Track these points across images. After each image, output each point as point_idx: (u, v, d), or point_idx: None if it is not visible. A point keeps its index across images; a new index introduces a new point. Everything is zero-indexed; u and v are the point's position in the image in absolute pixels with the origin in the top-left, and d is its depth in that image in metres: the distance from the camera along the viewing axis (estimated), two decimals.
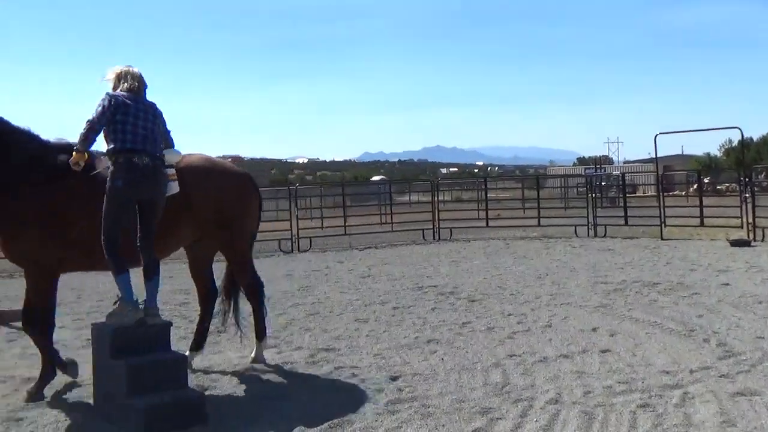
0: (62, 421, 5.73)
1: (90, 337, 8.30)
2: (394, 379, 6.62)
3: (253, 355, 7.36)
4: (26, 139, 6.22)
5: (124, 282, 5.95)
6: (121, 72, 6.12)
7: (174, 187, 6.31)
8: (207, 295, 7.51)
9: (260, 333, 7.39)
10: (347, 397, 6.10)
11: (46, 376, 6.39)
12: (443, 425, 5.34)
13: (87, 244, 6.21)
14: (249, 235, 7.43)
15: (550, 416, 5.44)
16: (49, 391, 6.39)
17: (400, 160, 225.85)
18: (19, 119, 6.24)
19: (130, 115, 5.92)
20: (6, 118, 6.16)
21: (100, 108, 5.83)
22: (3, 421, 5.70)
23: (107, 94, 5.94)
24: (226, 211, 6.98)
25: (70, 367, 6.61)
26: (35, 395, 6.24)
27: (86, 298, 11.98)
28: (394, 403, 5.93)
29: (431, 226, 21.62)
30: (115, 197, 5.85)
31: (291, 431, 5.29)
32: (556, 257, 15.74)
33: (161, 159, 6.13)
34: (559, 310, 9.53)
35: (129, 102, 5.95)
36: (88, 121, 5.82)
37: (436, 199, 22.15)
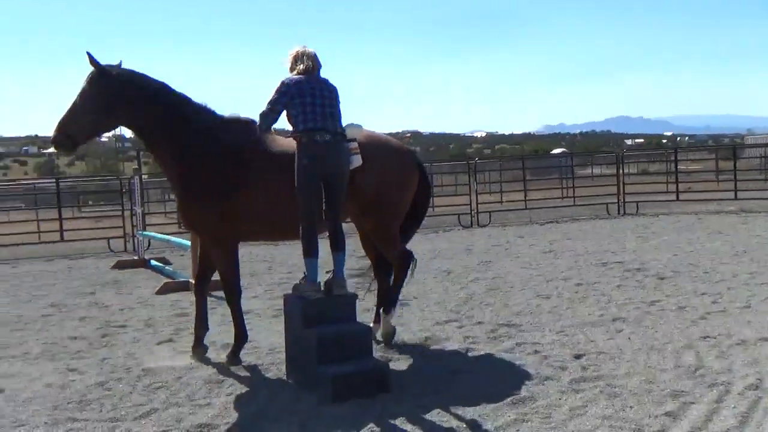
0: (257, 384, 6.11)
1: (280, 308, 8.84)
2: (578, 357, 6.48)
3: (380, 330, 7.22)
4: (204, 113, 6.61)
5: (312, 265, 6.24)
6: (297, 53, 6.36)
7: (357, 161, 6.47)
8: (381, 266, 7.50)
9: (389, 305, 7.27)
10: (529, 374, 6.04)
11: (240, 342, 6.81)
12: (631, 407, 5.16)
13: (262, 216, 6.55)
14: (402, 216, 7.21)
15: (749, 403, 5.11)
16: (246, 357, 6.82)
17: (581, 132, 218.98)
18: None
19: (307, 95, 6.17)
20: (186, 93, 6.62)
21: (278, 93, 6.17)
22: (206, 383, 6.16)
23: (283, 80, 6.23)
24: (385, 190, 6.83)
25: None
26: (233, 360, 6.69)
27: (276, 269, 12.65)
28: (578, 381, 5.81)
29: (616, 200, 20.84)
30: (303, 174, 6.12)
31: (473, 405, 5.33)
32: (756, 233, 14.65)
33: (342, 134, 6.31)
34: (759, 290, 8.89)
35: (305, 83, 6.21)
36: (269, 102, 6.17)
37: (621, 171, 21.28)
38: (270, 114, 6.18)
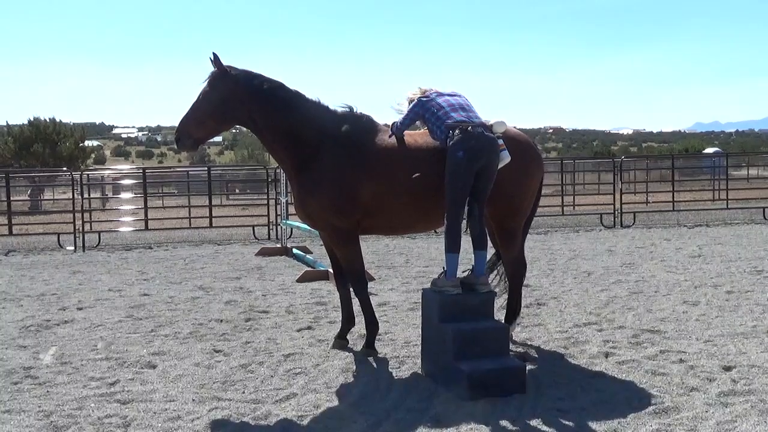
0: (392, 376, 6.18)
1: (416, 301, 8.89)
2: (727, 369, 6.14)
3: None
4: (319, 108, 6.71)
5: (453, 261, 6.24)
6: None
7: (506, 156, 6.40)
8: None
9: (509, 315, 7.15)
10: (672, 383, 5.78)
11: (371, 331, 6.88)
12: None
13: (381, 209, 6.60)
14: (525, 212, 7.04)
15: None
16: (382, 349, 6.91)
17: (737, 131, 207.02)
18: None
19: (445, 96, 6.50)
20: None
21: (414, 105, 6.54)
22: (342, 372, 6.29)
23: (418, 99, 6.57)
24: (502, 182, 6.60)
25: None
26: (369, 350, 6.79)
27: (414, 262, 12.73)
28: (727, 394, 5.51)
29: None
30: (457, 167, 6.12)
31: (612, 412, 5.16)
32: None
33: (490, 129, 6.28)
34: None
35: (435, 95, 6.53)
36: (408, 112, 6.49)
37: None
38: (405, 120, 6.59)
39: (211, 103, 6.39)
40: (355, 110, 6.79)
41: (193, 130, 6.45)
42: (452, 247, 6.26)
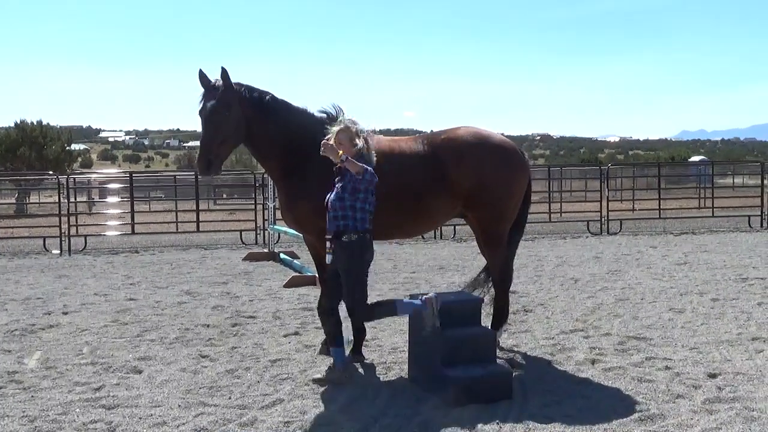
0: (380, 382, 6.17)
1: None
2: (712, 376, 6.17)
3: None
4: (306, 116, 6.68)
5: (340, 353, 6.18)
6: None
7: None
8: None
9: (495, 322, 7.14)
10: (658, 390, 5.80)
11: (359, 337, 6.86)
12: None
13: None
14: (510, 218, 7.05)
15: None
16: (369, 354, 6.90)
17: (723, 139, 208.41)
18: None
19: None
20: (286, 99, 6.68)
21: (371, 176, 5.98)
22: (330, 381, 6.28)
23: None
24: (484, 186, 6.71)
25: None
26: (357, 356, 6.77)
27: (401, 268, 12.73)
28: (712, 402, 5.53)
29: (759, 213, 19.71)
30: (363, 268, 6.13)
31: (598, 419, 5.18)
32: None
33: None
34: None
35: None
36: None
37: (766, 182, 20.09)
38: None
39: (231, 122, 6.23)
40: (338, 114, 6.75)
41: (222, 151, 6.35)
42: (338, 342, 6.16)
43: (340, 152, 5.80)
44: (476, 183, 6.73)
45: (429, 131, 7.68)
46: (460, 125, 7.13)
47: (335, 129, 6.05)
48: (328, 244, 6.05)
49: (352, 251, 5.90)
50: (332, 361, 6.18)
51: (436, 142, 6.84)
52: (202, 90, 6.33)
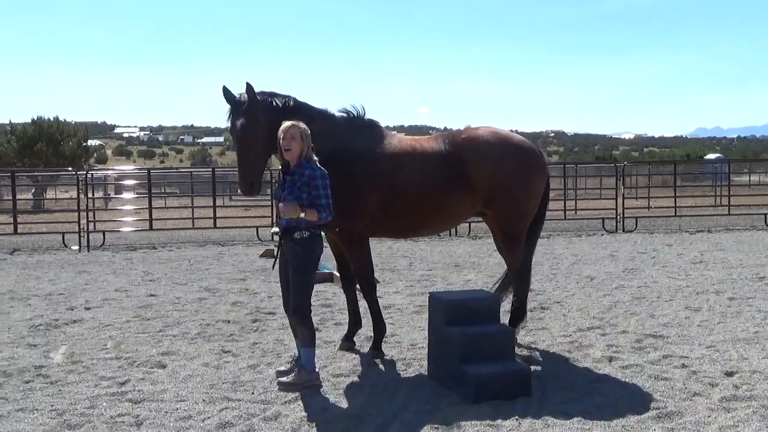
0: (399, 379, 6.27)
1: (421, 304, 8.98)
2: (729, 374, 6.22)
3: None
4: (329, 117, 6.74)
5: (310, 355, 6.03)
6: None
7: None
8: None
9: (512, 320, 7.23)
10: (675, 388, 5.86)
11: (379, 334, 6.97)
12: None
13: (389, 213, 6.74)
14: (529, 217, 7.15)
15: None
16: (389, 351, 7.00)
17: (739, 137, 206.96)
18: None
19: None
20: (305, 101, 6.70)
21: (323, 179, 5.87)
22: (350, 374, 6.38)
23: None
24: (503, 186, 6.83)
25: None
26: (376, 352, 6.87)
27: (417, 265, 12.81)
28: (729, 400, 5.59)
29: None
30: (315, 263, 6.12)
31: (616, 416, 5.25)
32: None
33: None
34: None
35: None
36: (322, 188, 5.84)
37: None
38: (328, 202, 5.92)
39: (262, 138, 6.19)
40: (361, 114, 6.89)
41: (259, 167, 6.37)
42: (309, 342, 6.01)
43: (298, 210, 5.72)
44: (496, 182, 6.82)
45: (443, 128, 7.78)
46: (479, 125, 7.23)
47: (287, 123, 5.90)
48: (277, 239, 6.01)
49: (304, 248, 5.86)
50: (301, 363, 6.00)
51: (456, 141, 6.93)
52: (228, 106, 6.29)
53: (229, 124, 6.33)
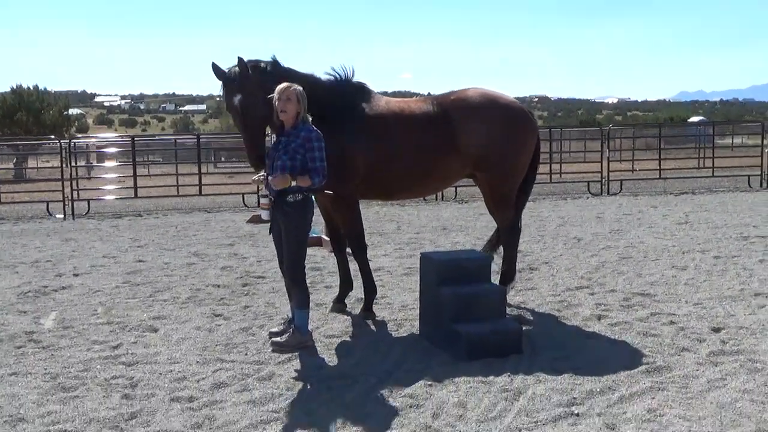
0: (391, 339, 6.32)
1: (410, 266, 9.03)
2: (716, 330, 6.32)
3: None
4: (315, 80, 6.68)
5: (304, 316, 6.01)
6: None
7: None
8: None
9: (503, 277, 7.30)
10: (664, 344, 5.95)
11: (370, 295, 7.02)
12: None
13: (378, 175, 6.74)
14: (518, 178, 7.18)
15: None
16: (380, 312, 7.04)
17: (722, 100, 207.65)
18: None
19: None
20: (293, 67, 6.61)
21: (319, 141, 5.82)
22: (343, 334, 6.42)
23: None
24: (493, 147, 6.83)
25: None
26: (367, 313, 6.92)
27: (405, 229, 12.84)
28: (717, 354, 5.69)
29: (759, 172, 19.79)
30: (306, 228, 6.12)
31: (607, 371, 5.32)
32: None
33: None
34: None
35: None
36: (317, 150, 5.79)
37: (765, 142, 20.15)
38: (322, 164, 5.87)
39: (260, 110, 6.10)
40: (348, 76, 6.85)
41: (263, 140, 6.33)
42: (303, 304, 5.98)
43: (289, 179, 5.67)
44: (486, 143, 6.82)
45: (427, 94, 7.74)
46: (468, 87, 7.20)
47: (282, 85, 5.81)
48: (266, 202, 5.93)
49: (297, 211, 5.83)
50: (295, 325, 5.99)
51: (445, 103, 6.91)
52: (219, 82, 6.20)
53: (224, 100, 6.25)
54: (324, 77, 6.84)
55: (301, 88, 5.84)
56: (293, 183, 5.68)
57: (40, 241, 12.32)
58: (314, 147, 5.73)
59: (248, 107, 6.10)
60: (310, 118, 5.94)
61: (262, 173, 6.05)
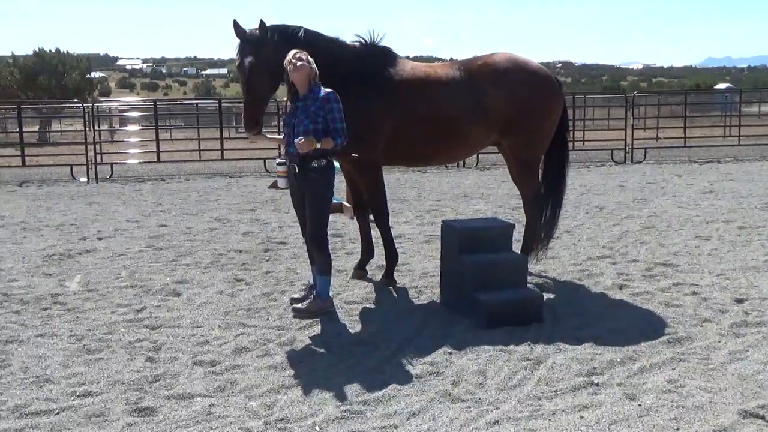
0: (412, 306, 6.34)
1: (431, 233, 9.02)
2: (739, 301, 6.28)
3: None
4: (340, 44, 6.67)
5: (327, 283, 6.05)
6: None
7: None
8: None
9: (525, 248, 7.23)
10: (686, 314, 5.93)
11: (392, 262, 7.03)
12: None
13: (403, 140, 6.69)
14: (544, 145, 7.10)
15: None
16: (401, 279, 7.06)
17: (749, 66, 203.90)
18: None
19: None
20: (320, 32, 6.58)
21: (336, 102, 5.78)
22: (364, 301, 6.45)
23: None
24: (519, 113, 6.76)
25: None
26: (389, 280, 6.94)
27: (426, 196, 12.82)
28: (739, 325, 5.66)
29: None
30: (329, 193, 6.09)
31: (628, 341, 5.31)
32: None
33: None
34: None
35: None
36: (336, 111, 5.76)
37: None
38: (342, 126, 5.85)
39: (269, 78, 6.12)
40: (374, 41, 6.81)
41: (265, 106, 6.35)
42: (326, 270, 6.00)
43: (314, 142, 5.62)
44: (512, 108, 6.76)
45: (449, 59, 7.66)
46: (494, 52, 7.12)
47: (291, 52, 5.78)
48: (284, 168, 5.88)
49: (321, 176, 5.83)
50: (317, 291, 6.03)
51: (472, 68, 6.84)
52: (237, 41, 6.14)
53: (237, 59, 6.22)
54: (350, 42, 6.81)
55: (307, 54, 5.79)
56: (318, 145, 5.67)
57: (65, 204, 12.44)
58: (333, 108, 5.71)
59: (256, 72, 6.06)
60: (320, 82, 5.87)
61: (280, 135, 6.02)
